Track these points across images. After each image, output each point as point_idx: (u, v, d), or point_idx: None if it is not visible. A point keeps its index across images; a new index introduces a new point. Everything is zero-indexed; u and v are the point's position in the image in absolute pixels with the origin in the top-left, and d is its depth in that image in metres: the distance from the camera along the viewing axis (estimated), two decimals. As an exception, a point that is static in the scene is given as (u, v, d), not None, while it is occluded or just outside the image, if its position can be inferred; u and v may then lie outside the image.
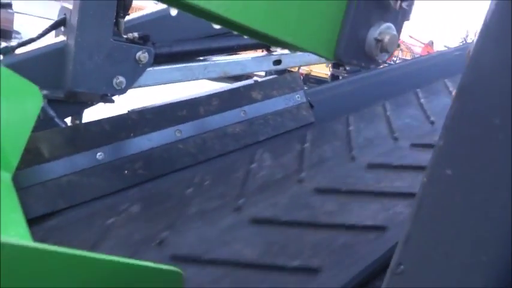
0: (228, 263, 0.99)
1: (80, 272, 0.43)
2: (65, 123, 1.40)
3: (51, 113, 1.32)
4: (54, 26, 1.47)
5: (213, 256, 1.01)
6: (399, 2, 0.55)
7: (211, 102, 1.46)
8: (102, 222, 1.13)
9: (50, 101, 1.36)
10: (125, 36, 1.41)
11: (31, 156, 1.16)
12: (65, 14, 1.41)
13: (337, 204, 1.18)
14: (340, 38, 0.52)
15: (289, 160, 1.41)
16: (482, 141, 0.36)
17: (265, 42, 0.56)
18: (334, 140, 1.52)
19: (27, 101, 1.07)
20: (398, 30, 0.56)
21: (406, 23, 0.61)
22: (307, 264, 0.95)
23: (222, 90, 1.56)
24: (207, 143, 1.41)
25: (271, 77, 1.77)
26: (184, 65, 1.59)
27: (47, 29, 1.45)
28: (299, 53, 1.83)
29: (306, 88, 1.67)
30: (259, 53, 1.85)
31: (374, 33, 0.55)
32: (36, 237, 1.08)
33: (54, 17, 1.48)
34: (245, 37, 1.80)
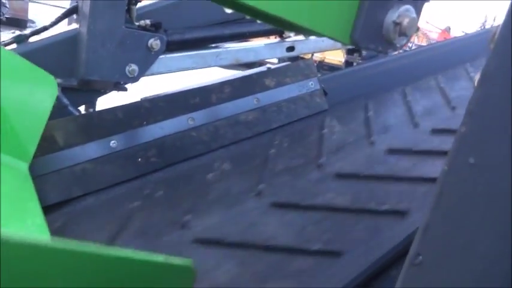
0: (253, 246, 1.00)
1: (83, 268, 0.42)
2: (79, 111, 1.41)
3: (65, 101, 1.33)
4: (67, 14, 1.47)
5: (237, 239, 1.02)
6: (418, -17, 0.53)
7: (223, 89, 1.45)
8: (124, 207, 1.15)
9: (64, 89, 1.36)
10: (136, 24, 1.40)
11: (46, 144, 1.17)
12: (77, 2, 1.41)
13: (358, 189, 1.18)
14: (356, 22, 0.50)
15: (308, 146, 1.41)
16: (507, 128, 0.34)
17: (279, 26, 0.54)
18: (353, 126, 1.51)
19: (43, 91, 1.08)
20: (418, 13, 0.53)
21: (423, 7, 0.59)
22: (328, 248, 0.96)
23: (235, 77, 1.54)
24: (220, 130, 1.40)
25: (284, 63, 1.75)
26: (196, 52, 1.58)
27: (59, 17, 1.45)
28: (313, 39, 1.80)
29: (319, 75, 1.65)
30: (272, 39, 1.82)
31: (392, 16, 0.52)
32: (57, 224, 1.10)
33: (68, 5, 1.48)
34: (257, 23, 1.78)
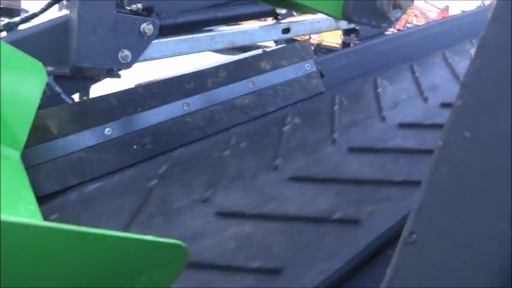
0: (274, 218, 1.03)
1: (74, 248, 0.42)
2: (72, 99, 1.39)
3: (58, 89, 1.31)
4: (57, 0, 1.43)
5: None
6: (413, -46, 0.50)
7: (218, 74, 1.43)
8: (144, 185, 1.16)
9: (56, 77, 1.34)
10: (128, 8, 1.37)
11: (39, 133, 1.16)
12: (65, -12, 1.38)
13: (371, 162, 1.22)
14: (348, -5, 0.49)
15: (321, 122, 1.44)
16: (504, 100, 0.33)
17: (271, 3, 0.52)
18: (364, 102, 1.53)
19: (31, 78, 1.06)
20: (412, -15, 0.51)
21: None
22: (347, 216, 0.98)
23: (230, 61, 1.52)
24: (216, 115, 1.39)
25: (279, 46, 1.72)
26: (190, 36, 1.55)
27: (49, 3, 1.42)
28: (308, 20, 1.76)
29: (315, 57, 1.62)
30: (267, 22, 1.79)
31: (386, -12, 0.51)
32: (66, 209, 1.09)
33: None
34: (252, 5, 1.74)
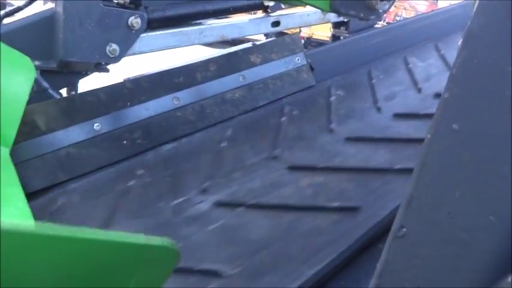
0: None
1: (65, 252, 0.41)
2: (60, 94, 1.37)
3: (45, 84, 1.29)
4: (42, -7, 1.40)
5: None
6: None
7: (208, 67, 1.42)
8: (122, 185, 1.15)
9: (43, 72, 1.32)
10: (115, 1, 1.35)
11: (27, 129, 1.14)
12: (50, -19, 1.35)
13: (368, 151, 1.25)
14: (336, -13, 0.48)
15: (318, 113, 1.47)
16: (493, 92, 0.33)
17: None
18: (359, 93, 1.55)
19: (19, 73, 1.04)
20: (401, -23, 0.51)
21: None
22: (346, 204, 1.01)
23: (220, 55, 1.51)
24: (206, 110, 1.38)
25: (269, 39, 1.72)
26: (179, 29, 1.53)
27: (34, -4, 1.39)
28: (298, 14, 1.75)
29: (305, 50, 1.62)
30: (257, 14, 1.78)
31: (374, -19, 0.50)
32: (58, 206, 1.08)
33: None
34: (241, -3, 1.71)
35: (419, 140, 1.23)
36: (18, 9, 1.37)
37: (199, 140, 1.31)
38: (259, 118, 1.40)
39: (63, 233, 0.41)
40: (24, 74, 1.05)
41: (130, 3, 1.36)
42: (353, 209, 1.02)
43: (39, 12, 1.36)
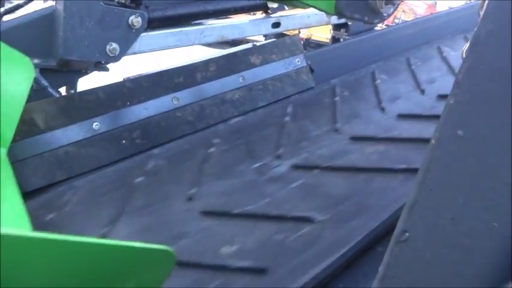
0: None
1: (62, 257, 0.41)
2: (59, 92, 1.36)
3: (44, 82, 1.28)
4: (42, -9, 1.40)
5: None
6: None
7: (208, 68, 1.42)
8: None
9: (43, 70, 1.31)
10: (116, 0, 1.35)
11: (26, 127, 1.13)
12: (51, -21, 1.35)
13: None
14: (341, -9, 0.48)
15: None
16: (498, 98, 0.33)
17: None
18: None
19: (18, 73, 1.04)
20: (405, -19, 0.51)
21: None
22: (411, 166, 1.03)
23: (220, 55, 1.51)
24: (206, 110, 1.38)
25: (269, 40, 1.72)
26: (179, 29, 1.53)
27: (34, -6, 1.38)
28: (298, 15, 1.76)
29: (305, 51, 1.62)
30: (257, 15, 1.78)
31: (378, -16, 0.50)
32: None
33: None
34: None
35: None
36: (18, 6, 1.36)
37: (264, 114, 1.42)
38: (314, 97, 1.50)
39: (60, 238, 0.41)
40: (23, 74, 1.04)
41: (131, 2, 1.36)
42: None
43: (39, 10, 1.36)
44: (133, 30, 1.36)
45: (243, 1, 1.61)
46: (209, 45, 1.79)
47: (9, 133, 0.98)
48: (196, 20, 1.59)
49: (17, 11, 1.37)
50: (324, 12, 0.54)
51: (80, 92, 1.30)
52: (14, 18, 1.34)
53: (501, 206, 0.33)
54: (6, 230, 0.39)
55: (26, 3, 1.37)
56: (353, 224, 0.96)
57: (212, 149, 1.28)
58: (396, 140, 1.31)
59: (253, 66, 1.48)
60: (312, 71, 1.59)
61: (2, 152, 0.93)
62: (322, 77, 1.60)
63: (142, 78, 1.35)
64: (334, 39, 2.05)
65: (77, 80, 1.48)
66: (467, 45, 0.41)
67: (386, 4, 0.48)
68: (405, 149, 1.25)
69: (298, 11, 1.72)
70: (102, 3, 1.28)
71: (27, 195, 1.08)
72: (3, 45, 0.98)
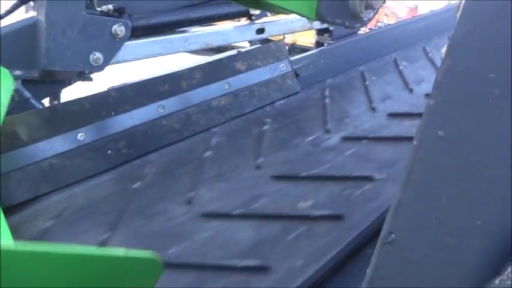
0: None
1: (48, 269, 0.40)
2: (42, 104, 1.34)
3: (26, 94, 1.26)
4: (23, 1, 1.38)
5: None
6: (383, -45, 0.51)
7: (193, 75, 1.42)
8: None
9: (25, 82, 1.29)
10: (98, 9, 1.34)
11: (9, 140, 1.12)
12: (30, -10, 1.33)
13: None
14: (321, -4, 0.49)
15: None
16: (477, 98, 0.33)
17: (244, 4, 0.52)
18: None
19: None
20: (384, -14, 0.52)
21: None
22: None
23: (205, 62, 1.51)
24: (192, 117, 1.37)
25: (254, 46, 1.72)
26: (163, 37, 1.53)
27: (15, 4, 1.37)
28: (282, 21, 1.77)
29: (290, 56, 1.63)
30: (242, 22, 1.78)
31: (358, -11, 0.51)
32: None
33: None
34: (225, 5, 1.72)
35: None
36: (17, 5, 1.34)
37: (304, 97, 1.55)
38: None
39: (43, 251, 0.41)
40: (2, 86, 1.03)
41: (114, 11, 1.35)
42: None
43: (21, 20, 1.34)
44: (117, 39, 1.35)
45: (227, 8, 1.61)
46: (194, 52, 1.79)
47: None
48: (180, 27, 1.59)
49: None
50: (305, 18, 0.55)
51: (64, 103, 1.29)
52: (-5, 30, 1.32)
53: (483, 204, 0.34)
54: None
55: (6, 14, 1.35)
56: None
57: (266, 127, 1.43)
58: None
59: (239, 72, 1.49)
60: (297, 75, 1.60)
61: None
62: (308, 81, 1.62)
63: (127, 87, 1.34)
64: (318, 44, 2.07)
65: (60, 91, 1.46)
66: (445, 47, 0.42)
67: (366, 9, 0.49)
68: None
69: (282, 17, 1.73)
70: (84, 12, 1.27)
71: (10, 209, 1.06)
72: None
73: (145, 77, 1.46)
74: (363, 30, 2.25)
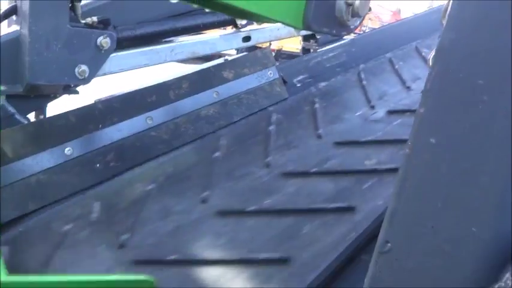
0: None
1: None
2: (28, 119, 1.32)
3: (11, 109, 1.24)
4: (5, 15, 1.36)
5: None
6: (367, -37, 0.51)
7: (181, 85, 1.41)
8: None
9: (9, 97, 1.27)
10: (83, 21, 1.32)
11: (-6, 157, 1.09)
12: (15, 1, 1.31)
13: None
14: (308, 5, 0.49)
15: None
16: (466, 105, 0.33)
17: (230, 14, 0.52)
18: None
19: None
20: (369, -7, 0.52)
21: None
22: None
23: (192, 72, 1.50)
24: (181, 127, 1.36)
25: (241, 54, 1.73)
26: (149, 48, 1.52)
27: (-3, 19, 1.34)
28: (268, 28, 1.77)
29: (277, 63, 1.64)
30: (228, 30, 1.78)
31: (343, -3, 0.51)
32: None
33: (6, 6, 1.38)
34: (211, 14, 1.72)
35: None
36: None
37: (343, 79, 1.68)
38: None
39: (39, 281, 0.40)
40: None
41: (98, 23, 1.34)
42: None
43: (4, 35, 1.32)
44: (103, 51, 1.34)
45: (213, 17, 1.61)
46: (182, 61, 1.79)
47: None
48: (166, 37, 1.58)
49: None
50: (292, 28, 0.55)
51: (50, 117, 1.27)
52: (-23, 45, 1.29)
53: (478, 210, 0.34)
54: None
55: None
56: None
57: (317, 105, 1.58)
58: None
59: (227, 81, 1.49)
60: (285, 82, 1.61)
61: None
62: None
63: (114, 99, 1.33)
64: (305, 50, 2.09)
65: (46, 105, 1.44)
66: (432, 53, 0.42)
67: (353, 16, 0.49)
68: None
69: (268, 25, 1.74)
70: (68, 25, 1.26)
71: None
72: None
73: (132, 89, 1.45)
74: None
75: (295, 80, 1.66)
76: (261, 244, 1.00)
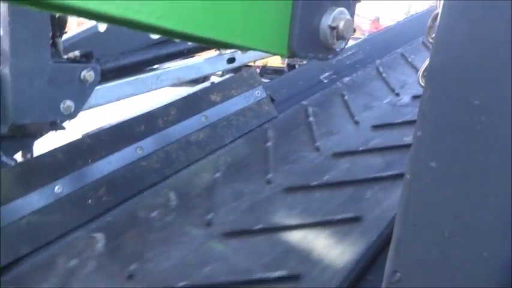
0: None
1: None
2: (15, 160, 1.29)
3: (-4, 151, 1.21)
4: (-15, 56, 1.34)
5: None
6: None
7: (169, 112, 1.40)
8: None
9: (-6, 139, 1.24)
10: (65, 57, 1.31)
11: (-19, 202, 1.06)
12: (-5, 41, 1.30)
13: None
14: (292, 32, 0.48)
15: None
16: (464, 126, 0.32)
17: (212, 46, 0.51)
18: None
19: None
20: (352, 14, 0.52)
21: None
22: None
23: (179, 98, 1.49)
24: (172, 155, 1.34)
25: (227, 76, 1.73)
26: (135, 77, 1.51)
27: (-23, 61, 1.32)
28: (252, 48, 1.78)
29: (264, 81, 1.64)
30: (213, 52, 1.79)
31: (327, 20, 0.51)
32: None
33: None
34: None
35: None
36: None
37: (364, 74, 1.77)
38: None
39: None
40: None
41: (81, 56, 1.32)
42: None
43: (-16, 76, 1.30)
44: (87, 85, 1.32)
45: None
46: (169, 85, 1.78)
47: None
48: (150, 65, 1.57)
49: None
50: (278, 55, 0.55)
51: (37, 156, 1.24)
52: (-43, 88, 1.27)
53: (486, 234, 0.32)
54: None
55: None
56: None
57: (346, 97, 1.66)
58: None
59: (215, 104, 1.48)
60: (272, 100, 1.60)
61: None
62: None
63: (102, 132, 1.31)
64: (290, 67, 2.11)
65: (33, 144, 1.41)
66: (422, 69, 0.41)
67: (337, 40, 0.49)
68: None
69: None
70: (50, 61, 1.24)
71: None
72: None
73: (120, 119, 1.43)
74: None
75: (321, 77, 1.76)
76: (332, 209, 1.11)
